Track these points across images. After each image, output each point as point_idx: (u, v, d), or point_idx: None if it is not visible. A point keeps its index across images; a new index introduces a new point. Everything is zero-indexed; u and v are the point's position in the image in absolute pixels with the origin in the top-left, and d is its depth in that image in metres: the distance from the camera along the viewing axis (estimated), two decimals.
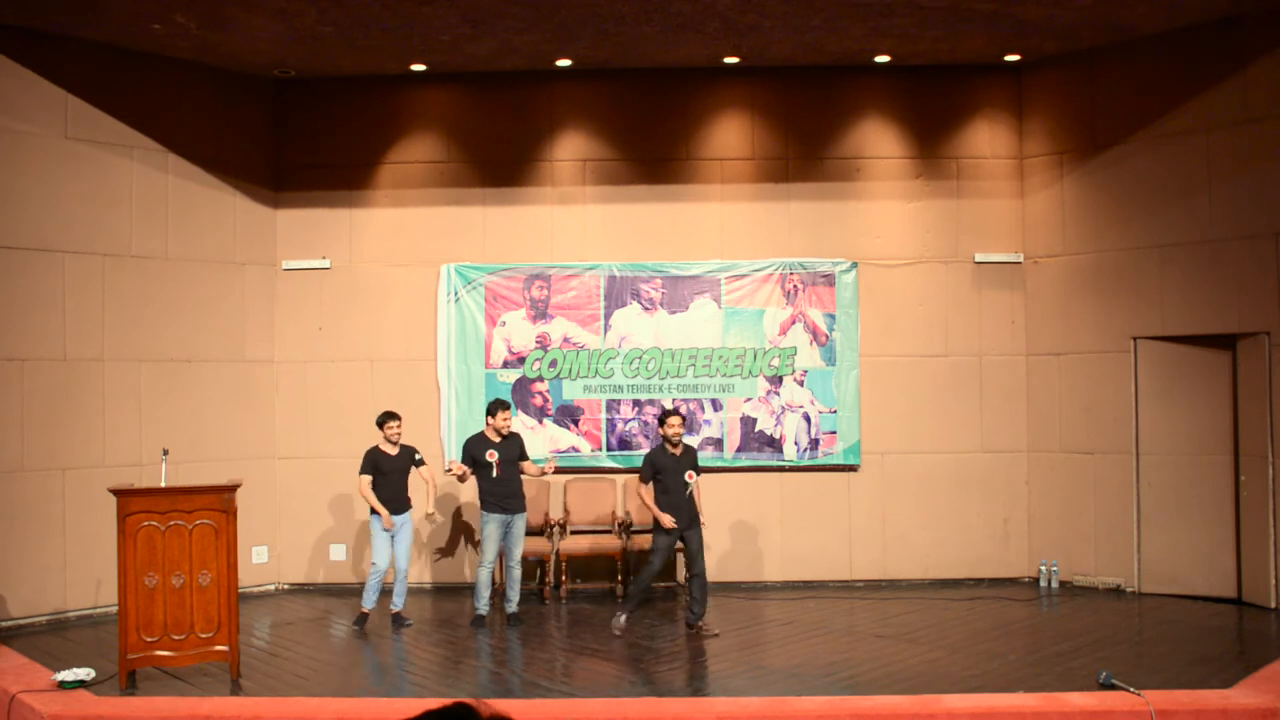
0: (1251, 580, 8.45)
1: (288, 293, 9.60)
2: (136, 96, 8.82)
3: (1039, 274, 9.52)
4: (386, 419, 8.14)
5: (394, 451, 8.08)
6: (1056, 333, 9.39)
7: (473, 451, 8.03)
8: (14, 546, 8.13)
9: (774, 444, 9.46)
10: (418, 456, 8.17)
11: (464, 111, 9.68)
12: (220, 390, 9.22)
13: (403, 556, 8.04)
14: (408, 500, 8.14)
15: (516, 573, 8.16)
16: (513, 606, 8.15)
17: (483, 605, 8.03)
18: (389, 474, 8.03)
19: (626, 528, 9.02)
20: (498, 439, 8.09)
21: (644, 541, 8.96)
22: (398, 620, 8.03)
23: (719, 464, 9.46)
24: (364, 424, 9.49)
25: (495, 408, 8.13)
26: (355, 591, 9.33)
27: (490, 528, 8.02)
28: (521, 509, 8.13)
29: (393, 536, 7.98)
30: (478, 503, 8.18)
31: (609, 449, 9.46)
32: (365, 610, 8.00)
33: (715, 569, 9.40)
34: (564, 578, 8.96)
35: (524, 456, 8.21)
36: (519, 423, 9.40)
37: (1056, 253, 9.42)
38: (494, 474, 7.97)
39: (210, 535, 6.43)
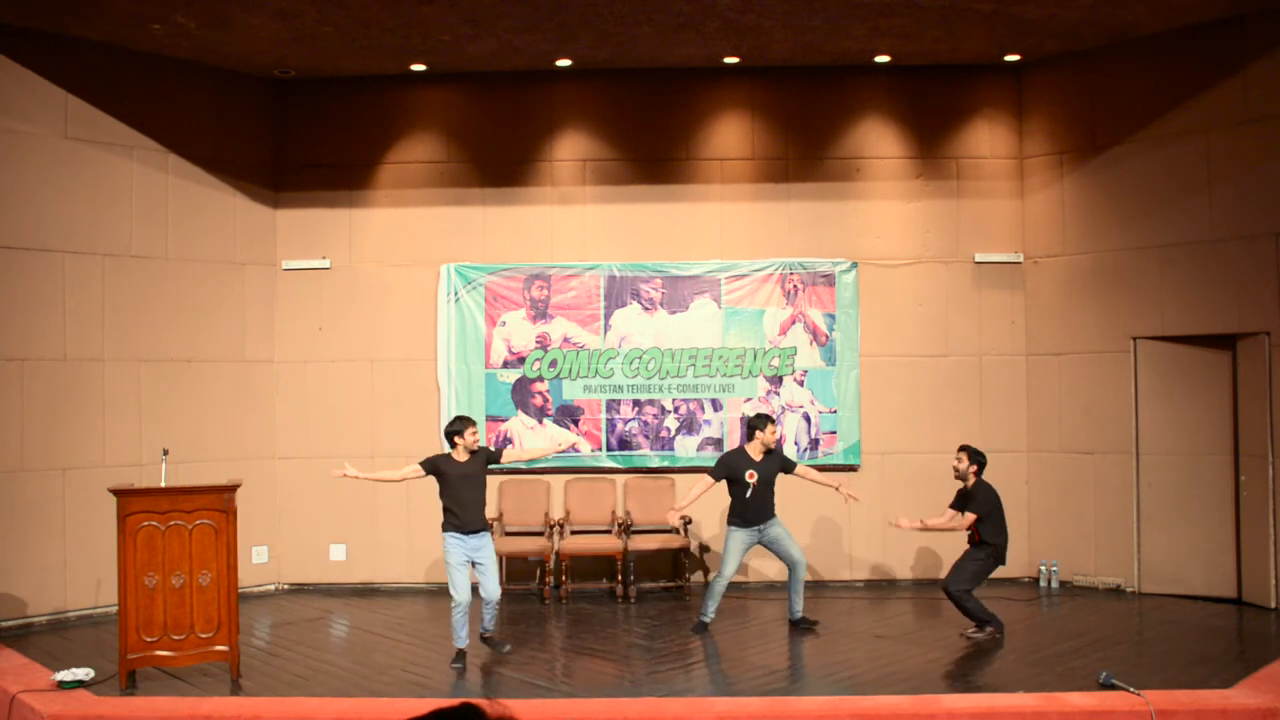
0: (1251, 580, 8.45)
1: (288, 293, 9.59)
2: (136, 96, 8.82)
3: (1039, 274, 9.52)
4: (467, 424, 7.10)
5: (464, 458, 7.06)
6: (1056, 333, 9.39)
7: (732, 466, 7.73)
8: (14, 546, 8.13)
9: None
10: (494, 450, 7.32)
11: (464, 111, 9.68)
12: (220, 390, 9.22)
13: (492, 585, 7.04)
14: (485, 518, 7.17)
15: (801, 572, 7.79)
16: (798, 611, 7.86)
17: (709, 614, 7.76)
18: (453, 481, 7.01)
19: (626, 528, 9.02)
20: (759, 456, 7.75)
21: (644, 542, 8.96)
22: (491, 644, 7.19)
23: None
24: (364, 424, 9.52)
25: (763, 422, 7.77)
26: (355, 592, 9.35)
27: (734, 541, 7.72)
28: (770, 517, 7.78)
29: (472, 563, 7.03)
30: None
31: (609, 449, 9.45)
32: (459, 648, 6.95)
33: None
34: (564, 578, 8.96)
35: (787, 467, 7.88)
36: (518, 423, 9.41)
37: (1056, 253, 9.41)
38: (748, 495, 7.67)
39: (210, 535, 6.43)
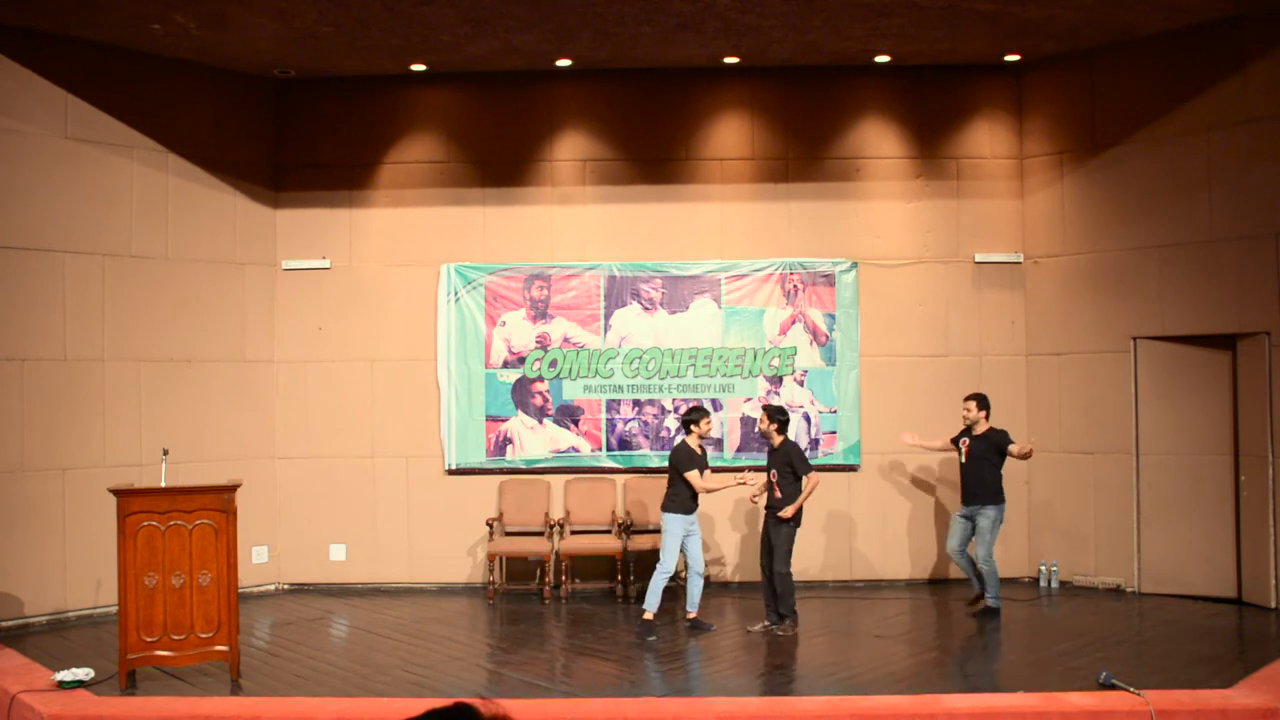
0: (1251, 580, 8.45)
1: (288, 293, 9.59)
2: (136, 96, 8.82)
3: (1039, 274, 9.52)
4: (702, 414, 7.90)
5: (699, 449, 7.89)
6: (1056, 333, 9.39)
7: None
8: (14, 546, 8.13)
9: None
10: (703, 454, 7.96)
11: (464, 111, 9.68)
12: (220, 390, 9.22)
13: (698, 557, 7.82)
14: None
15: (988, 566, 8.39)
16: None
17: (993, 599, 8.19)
18: (702, 467, 7.83)
19: (626, 528, 9.02)
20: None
21: (644, 541, 8.95)
22: (696, 626, 7.78)
23: (719, 464, 9.44)
24: (364, 424, 9.52)
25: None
26: (355, 592, 9.35)
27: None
28: (972, 500, 8.31)
29: (685, 538, 7.76)
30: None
31: (609, 449, 9.45)
32: (649, 617, 7.70)
33: (716, 569, 9.41)
34: (564, 578, 8.96)
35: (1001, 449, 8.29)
36: (518, 423, 9.41)
37: (1056, 253, 9.41)
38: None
39: (210, 535, 6.43)
